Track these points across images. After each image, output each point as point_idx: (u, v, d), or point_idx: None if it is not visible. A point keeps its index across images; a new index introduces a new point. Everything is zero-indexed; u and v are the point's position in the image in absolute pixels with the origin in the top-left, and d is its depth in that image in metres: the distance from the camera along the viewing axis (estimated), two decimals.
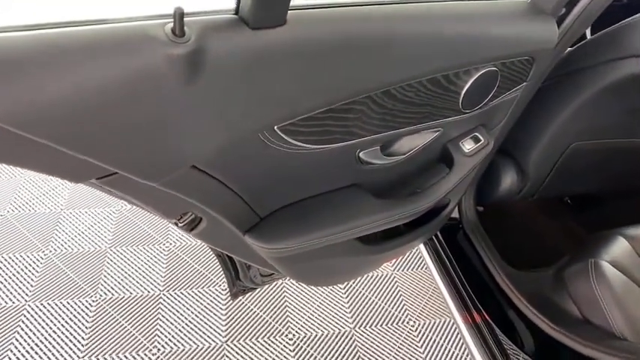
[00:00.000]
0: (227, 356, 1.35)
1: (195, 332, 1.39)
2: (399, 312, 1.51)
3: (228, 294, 1.07)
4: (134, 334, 1.37)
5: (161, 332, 1.38)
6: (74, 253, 1.59)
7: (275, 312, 1.47)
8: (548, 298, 1.02)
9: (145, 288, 1.50)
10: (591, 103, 0.95)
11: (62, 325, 1.37)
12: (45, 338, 1.34)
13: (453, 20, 0.63)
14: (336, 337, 1.42)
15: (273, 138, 0.56)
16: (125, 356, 1.32)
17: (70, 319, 1.39)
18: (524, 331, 1.03)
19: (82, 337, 1.35)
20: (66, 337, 1.35)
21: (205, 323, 1.42)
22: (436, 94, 0.69)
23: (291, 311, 1.47)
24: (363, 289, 1.57)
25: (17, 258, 1.54)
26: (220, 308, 1.46)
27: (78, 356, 1.31)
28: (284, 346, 1.39)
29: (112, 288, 1.49)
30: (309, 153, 0.62)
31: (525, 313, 0.99)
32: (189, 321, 1.42)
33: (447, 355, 1.40)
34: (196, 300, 1.48)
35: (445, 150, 0.84)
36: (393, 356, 1.39)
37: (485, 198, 1.18)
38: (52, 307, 1.42)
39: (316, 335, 1.42)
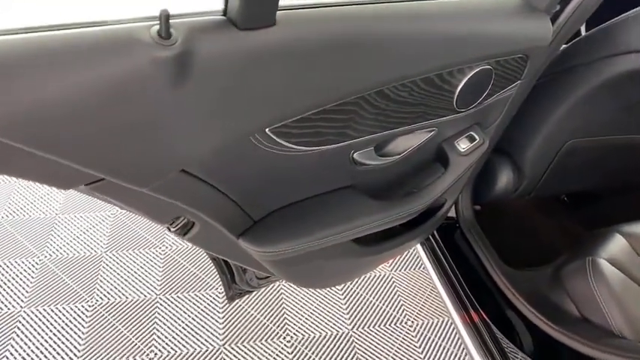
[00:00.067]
0: None
1: (193, 336, 1.38)
2: (397, 312, 1.50)
3: (225, 297, 1.06)
4: (131, 339, 1.36)
5: (158, 336, 1.37)
6: (70, 258, 1.58)
7: (272, 314, 1.46)
8: (545, 297, 1.01)
9: (141, 292, 1.49)
10: (587, 100, 0.94)
11: (58, 331, 1.36)
12: (41, 344, 1.32)
13: (446, 18, 0.62)
14: (334, 338, 1.41)
15: (265, 140, 0.55)
16: None
17: (67, 324, 1.38)
18: (523, 330, 1.02)
19: (79, 343, 1.34)
20: (62, 342, 1.33)
21: (202, 327, 1.41)
22: (430, 93, 0.68)
23: (289, 313, 1.47)
24: (360, 289, 1.56)
25: (12, 264, 1.53)
26: (217, 311, 1.46)
27: None
28: (282, 348, 1.38)
29: (108, 293, 1.48)
30: (302, 155, 0.61)
31: (523, 312, 0.98)
32: (187, 325, 1.41)
33: (446, 355, 1.40)
34: (193, 303, 1.47)
35: (440, 150, 0.83)
36: (392, 357, 1.38)
37: (481, 197, 1.18)
38: (47, 313, 1.40)
39: (314, 337, 1.41)
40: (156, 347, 1.35)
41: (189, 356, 1.34)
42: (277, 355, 1.36)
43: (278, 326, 1.43)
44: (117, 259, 1.59)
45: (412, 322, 1.48)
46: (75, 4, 0.42)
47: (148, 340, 1.36)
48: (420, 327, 1.47)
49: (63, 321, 1.39)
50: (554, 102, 0.97)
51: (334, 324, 1.45)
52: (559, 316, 0.95)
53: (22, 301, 1.42)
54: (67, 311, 1.41)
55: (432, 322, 1.48)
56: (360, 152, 0.70)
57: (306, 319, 1.45)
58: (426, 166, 0.87)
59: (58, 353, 1.31)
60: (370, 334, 1.43)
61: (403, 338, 1.43)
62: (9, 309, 1.40)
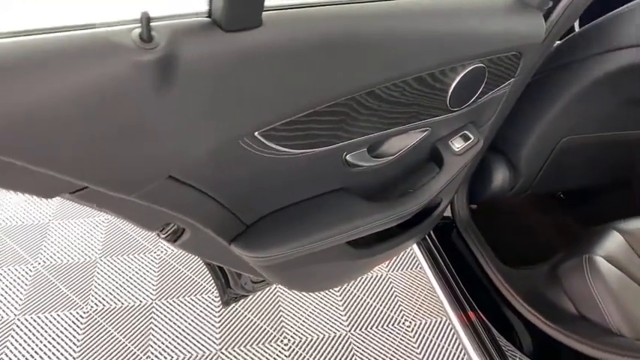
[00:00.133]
0: None
1: (189, 341, 1.37)
2: (395, 313, 1.50)
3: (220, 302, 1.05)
4: (127, 345, 1.34)
5: (154, 342, 1.36)
6: (64, 264, 1.56)
7: (269, 317, 1.45)
8: (543, 295, 1.01)
9: (136, 297, 1.48)
10: (581, 96, 0.94)
11: (53, 338, 1.34)
12: (36, 352, 1.31)
13: (437, 17, 0.61)
14: (332, 340, 1.40)
15: (255, 144, 0.54)
16: None
17: (61, 332, 1.36)
18: (521, 329, 1.01)
19: (74, 350, 1.32)
20: (57, 350, 1.32)
21: (199, 331, 1.40)
22: (423, 93, 0.67)
23: (286, 316, 1.45)
24: (357, 290, 1.55)
25: (5, 271, 1.51)
26: (214, 316, 1.44)
27: None
28: (279, 352, 1.37)
29: (103, 299, 1.47)
30: (293, 158, 0.60)
31: (520, 311, 0.97)
32: (183, 329, 1.40)
33: (445, 355, 1.39)
34: (189, 308, 1.46)
35: (434, 149, 0.82)
36: (390, 358, 1.38)
37: (477, 196, 1.17)
38: (42, 321, 1.39)
39: (311, 339, 1.40)
40: (152, 353, 1.33)
41: None
42: (275, 358, 1.35)
43: (275, 329, 1.42)
44: (111, 265, 1.58)
45: (410, 322, 1.47)
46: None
47: (144, 345, 1.35)
48: (418, 327, 1.46)
49: (57, 328, 1.37)
50: (549, 99, 0.97)
51: (332, 326, 1.44)
52: (556, 314, 0.95)
53: (15, 309, 1.41)
54: (61, 318, 1.40)
55: (430, 322, 1.48)
56: (352, 154, 0.69)
57: (304, 321, 1.44)
58: (421, 166, 0.86)
59: None
60: (368, 335, 1.42)
61: (401, 339, 1.42)
62: (3, 317, 1.38)
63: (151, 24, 0.40)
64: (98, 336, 1.36)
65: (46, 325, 1.38)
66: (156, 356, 1.33)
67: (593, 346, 0.84)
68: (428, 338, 1.43)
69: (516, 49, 0.73)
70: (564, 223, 1.37)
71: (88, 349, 1.33)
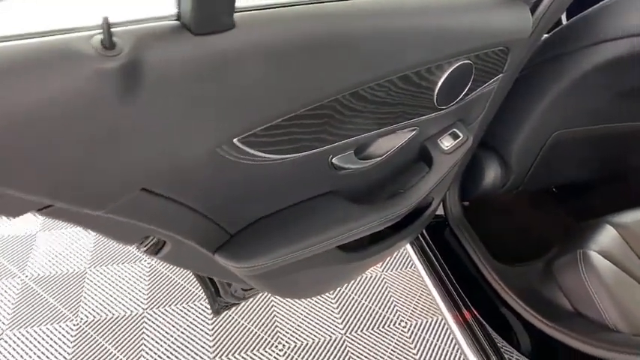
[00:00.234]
0: None
1: (183, 350, 1.34)
2: (390, 313, 1.48)
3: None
4: (118, 357, 1.32)
5: (146, 352, 1.33)
6: (52, 275, 1.53)
7: (263, 323, 1.42)
8: (538, 292, 0.99)
9: (127, 307, 1.45)
10: (571, 90, 0.92)
11: (42, 352, 1.31)
12: None
13: (421, 13, 0.59)
14: (328, 344, 1.38)
15: (234, 151, 0.52)
16: None
17: (51, 345, 1.33)
18: (517, 327, 1.00)
19: None
20: None
21: (192, 340, 1.37)
22: (409, 92, 0.65)
23: (280, 321, 1.43)
24: (352, 292, 1.53)
25: None
26: (207, 323, 1.42)
27: None
28: (274, 357, 1.35)
29: (93, 310, 1.43)
30: (276, 164, 0.58)
31: (515, 309, 0.96)
32: (175, 339, 1.37)
33: (441, 354, 1.38)
34: (182, 316, 1.43)
35: (423, 149, 0.81)
36: (387, 359, 1.36)
37: (469, 193, 1.16)
38: (31, 335, 1.35)
39: (307, 344, 1.38)
40: None
41: None
42: None
43: (270, 335, 1.39)
44: (101, 275, 1.55)
45: (406, 322, 1.46)
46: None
47: (136, 356, 1.32)
48: (414, 327, 1.44)
49: (47, 342, 1.34)
50: (538, 94, 0.95)
51: (327, 329, 1.42)
52: (552, 311, 0.94)
53: (3, 323, 1.37)
54: (51, 332, 1.36)
55: (426, 322, 1.46)
56: (339, 157, 0.67)
57: (298, 325, 1.42)
58: (410, 166, 0.85)
59: None
60: (364, 337, 1.41)
61: (397, 340, 1.41)
62: None
63: (114, 29, 0.38)
64: (89, 348, 1.33)
65: (35, 339, 1.34)
66: None
67: (590, 343, 0.83)
68: (424, 338, 1.42)
69: (503, 44, 0.71)
70: (557, 218, 1.36)
71: None
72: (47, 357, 1.30)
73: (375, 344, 1.39)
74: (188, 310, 1.45)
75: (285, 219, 0.69)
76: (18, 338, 1.34)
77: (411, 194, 0.80)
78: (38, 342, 1.34)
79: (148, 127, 0.41)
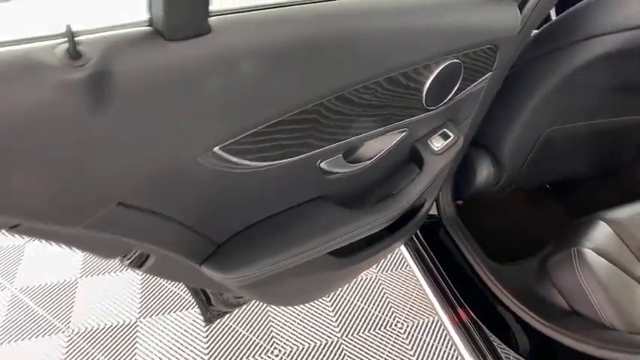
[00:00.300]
0: None
1: (176, 358, 1.32)
2: (386, 315, 1.46)
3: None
4: None
5: None
6: (42, 286, 1.50)
7: (258, 328, 1.40)
8: (533, 291, 0.99)
9: (120, 317, 1.42)
10: (562, 86, 0.91)
11: None
12: None
13: (407, 13, 0.58)
14: (324, 347, 1.37)
15: (216, 160, 0.50)
16: None
17: (42, 358, 1.31)
18: (512, 326, 0.99)
19: None
20: None
21: (186, 348, 1.35)
22: (396, 93, 0.64)
23: (275, 326, 1.41)
24: (347, 294, 1.52)
25: None
26: (201, 330, 1.40)
27: None
28: None
29: (85, 320, 1.41)
30: (261, 171, 0.56)
31: (511, 308, 0.95)
32: (170, 347, 1.35)
33: (438, 355, 1.37)
34: (175, 324, 1.41)
35: (414, 150, 0.79)
36: None
37: (463, 192, 1.15)
38: (21, 348, 1.33)
39: (303, 348, 1.36)
40: None
41: None
42: None
43: (265, 341, 1.37)
44: (93, 284, 1.52)
45: (402, 323, 1.44)
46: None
47: None
48: (411, 328, 1.43)
49: (38, 355, 1.31)
50: (529, 91, 0.94)
51: (323, 333, 1.40)
52: (548, 310, 0.93)
53: None
54: (41, 344, 1.34)
55: (423, 323, 1.45)
56: (327, 161, 0.66)
57: (294, 330, 1.40)
58: (401, 168, 0.83)
59: None
60: (360, 339, 1.39)
61: (394, 341, 1.39)
62: None
63: (81, 37, 0.36)
64: None
65: (26, 352, 1.32)
66: None
67: (587, 342, 0.82)
68: (421, 339, 1.40)
69: (492, 42, 0.70)
70: (551, 214, 1.35)
71: None
72: None
73: (371, 346, 1.37)
74: (182, 317, 1.43)
75: (273, 227, 0.67)
76: (8, 352, 1.31)
77: (403, 197, 0.79)
78: (29, 356, 1.31)
79: (121, 139, 0.40)
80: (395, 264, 1.63)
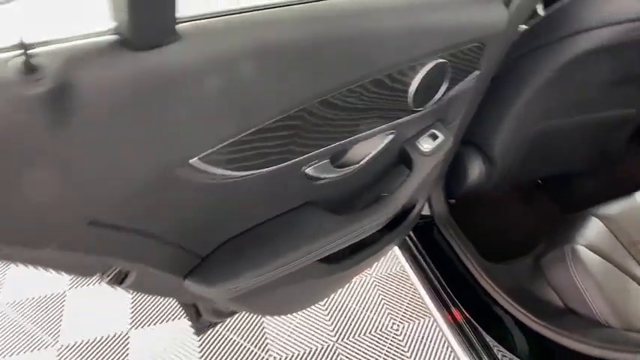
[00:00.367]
0: None
1: None
2: (382, 317, 1.45)
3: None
4: None
5: None
6: (30, 300, 1.47)
7: (252, 336, 1.38)
8: (527, 290, 0.98)
9: (111, 328, 1.39)
10: (552, 81, 0.90)
11: None
12: None
13: (389, 13, 0.56)
14: (319, 353, 1.35)
15: (194, 172, 0.48)
16: None
17: None
18: (507, 325, 0.98)
19: None
20: None
21: (180, 359, 1.32)
22: (382, 95, 0.62)
23: (270, 332, 1.39)
24: (342, 298, 1.50)
25: None
26: (194, 340, 1.37)
27: None
28: None
29: (75, 334, 1.38)
30: (244, 180, 0.54)
31: (505, 307, 0.94)
32: (162, 359, 1.32)
33: (435, 355, 1.36)
34: (167, 334, 1.38)
35: (403, 152, 0.78)
36: None
37: (455, 191, 1.13)
38: None
39: (298, 354, 1.34)
40: None
41: None
42: None
43: (259, 348, 1.35)
44: (82, 295, 1.49)
45: (398, 325, 1.43)
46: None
47: None
48: (407, 330, 1.42)
49: None
50: (518, 87, 0.93)
51: (318, 338, 1.38)
52: (543, 308, 0.92)
53: None
54: None
55: (419, 324, 1.44)
56: (314, 167, 0.64)
57: (289, 336, 1.38)
58: (391, 170, 0.81)
59: None
60: (356, 343, 1.38)
61: (390, 343, 1.38)
62: None
63: (38, 50, 0.33)
64: None
65: None
66: None
67: (582, 341, 0.81)
68: (418, 340, 1.39)
69: (478, 40, 0.68)
70: (544, 211, 1.35)
71: None
72: None
73: (367, 350, 1.36)
74: (174, 327, 1.40)
75: (259, 236, 0.65)
76: None
77: (393, 199, 0.77)
78: None
79: (87, 156, 0.37)
80: (389, 265, 1.61)
